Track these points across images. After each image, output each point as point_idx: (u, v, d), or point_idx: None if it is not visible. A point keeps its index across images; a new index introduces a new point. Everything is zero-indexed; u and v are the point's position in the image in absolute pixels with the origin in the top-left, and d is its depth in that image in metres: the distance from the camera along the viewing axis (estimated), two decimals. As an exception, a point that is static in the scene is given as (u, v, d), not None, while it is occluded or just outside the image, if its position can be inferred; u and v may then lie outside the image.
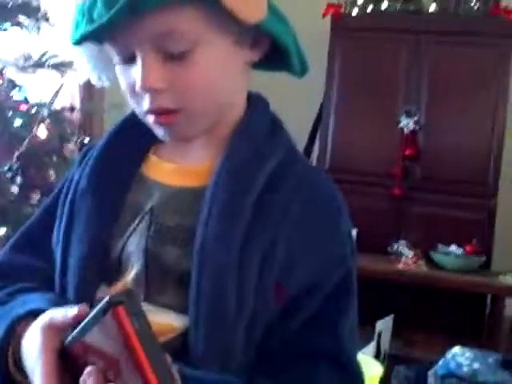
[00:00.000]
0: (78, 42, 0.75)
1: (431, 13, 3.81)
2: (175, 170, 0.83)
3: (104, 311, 0.60)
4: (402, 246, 3.56)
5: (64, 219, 0.83)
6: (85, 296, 0.77)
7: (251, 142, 0.81)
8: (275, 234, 0.76)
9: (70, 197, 0.84)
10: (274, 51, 0.79)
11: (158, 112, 0.76)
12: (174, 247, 0.77)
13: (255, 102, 0.85)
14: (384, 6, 3.87)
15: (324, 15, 3.87)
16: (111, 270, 0.79)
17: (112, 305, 0.59)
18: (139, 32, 0.71)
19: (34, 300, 0.77)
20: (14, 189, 1.91)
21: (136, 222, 0.80)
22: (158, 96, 0.74)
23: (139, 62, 0.73)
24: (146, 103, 0.76)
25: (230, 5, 0.70)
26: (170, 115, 0.76)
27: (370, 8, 3.89)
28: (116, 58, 0.77)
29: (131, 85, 0.76)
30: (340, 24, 3.89)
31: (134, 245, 0.79)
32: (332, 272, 0.79)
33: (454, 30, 3.73)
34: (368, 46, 3.90)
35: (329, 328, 0.78)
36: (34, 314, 0.72)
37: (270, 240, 0.75)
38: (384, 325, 2.64)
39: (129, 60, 0.75)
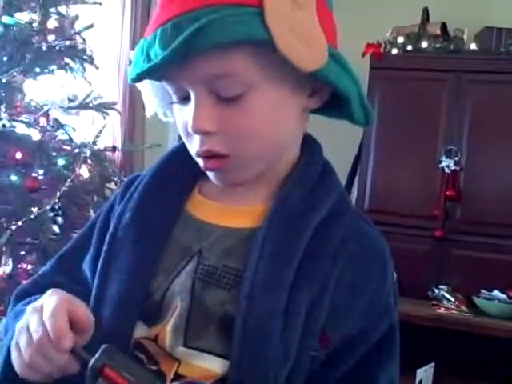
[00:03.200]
0: (135, 80, 0.76)
1: (472, 51, 3.77)
2: (223, 210, 0.81)
3: (94, 378, 0.64)
4: (443, 291, 3.46)
5: (104, 252, 0.82)
6: (121, 334, 0.76)
7: (305, 187, 0.80)
8: (323, 282, 0.74)
9: (111, 229, 0.83)
10: (335, 99, 0.77)
11: (207, 155, 0.75)
12: (220, 290, 0.75)
13: (309, 146, 0.83)
14: (424, 45, 3.86)
15: (363, 55, 3.87)
16: (151, 310, 0.78)
17: (98, 371, 0.63)
18: (192, 73, 0.71)
19: None
20: (55, 228, 1.93)
21: (184, 262, 0.78)
22: (207, 139, 0.74)
23: (192, 102, 0.73)
24: (195, 145, 0.75)
25: (286, 52, 0.69)
26: (219, 160, 0.75)
27: (409, 47, 3.89)
28: (173, 97, 0.76)
29: (184, 125, 0.76)
30: (379, 63, 3.88)
31: (179, 286, 0.77)
32: (378, 324, 0.78)
33: (496, 68, 3.68)
34: (408, 86, 3.87)
35: (369, 379, 0.77)
36: None
37: (318, 288, 0.74)
38: (425, 373, 2.56)
39: (184, 100, 0.75)
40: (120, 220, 0.83)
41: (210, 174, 0.79)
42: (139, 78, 0.74)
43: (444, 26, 3.93)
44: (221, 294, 0.75)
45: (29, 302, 0.78)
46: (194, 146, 0.76)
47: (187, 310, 0.75)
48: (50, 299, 0.70)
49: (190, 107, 0.73)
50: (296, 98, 0.76)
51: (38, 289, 0.84)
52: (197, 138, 0.75)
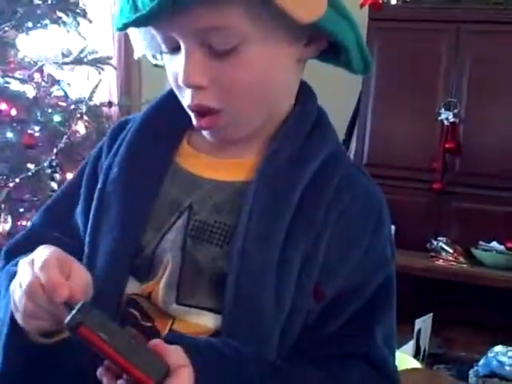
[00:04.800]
0: (122, 29, 0.72)
1: (472, 1, 3.70)
2: (214, 163, 0.79)
3: (71, 335, 0.62)
4: (441, 243, 3.48)
5: (93, 208, 0.80)
6: (113, 290, 0.76)
7: (297, 138, 0.78)
8: (317, 234, 0.73)
9: (99, 185, 0.81)
10: (333, 46, 0.75)
11: (199, 110, 0.73)
12: (211, 246, 0.75)
13: (304, 95, 0.81)
14: (423, -5, 3.79)
15: (362, 5, 3.80)
16: (142, 265, 0.77)
17: (73, 329, 0.61)
18: (183, 25, 0.68)
19: None
20: (53, 185, 1.92)
21: (174, 218, 0.77)
22: (199, 92, 0.71)
23: (183, 54, 0.70)
24: (187, 98, 0.73)
25: (283, 4, 0.65)
26: (213, 117, 0.73)
27: (408, -2, 3.82)
28: (162, 46, 0.73)
29: (175, 76, 0.73)
30: (378, 14, 3.81)
31: (169, 242, 0.76)
32: (373, 276, 0.77)
33: (496, 18, 3.61)
34: (407, 37, 3.81)
35: (365, 332, 0.77)
36: None
37: (312, 240, 0.73)
38: (423, 323, 2.60)
39: (174, 50, 0.72)
40: (108, 174, 0.81)
41: (204, 132, 0.77)
42: (125, 27, 0.71)
43: (444, -25, 3.85)
44: (213, 251, 0.74)
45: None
46: (185, 99, 0.74)
47: (179, 267, 0.75)
48: (41, 253, 0.68)
49: (181, 59, 0.70)
50: (291, 49, 0.73)
51: (28, 244, 0.81)
52: (188, 92, 0.72)
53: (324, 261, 0.74)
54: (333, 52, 0.76)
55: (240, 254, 0.71)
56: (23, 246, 0.83)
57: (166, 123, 0.82)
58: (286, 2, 0.65)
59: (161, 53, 0.76)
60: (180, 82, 0.71)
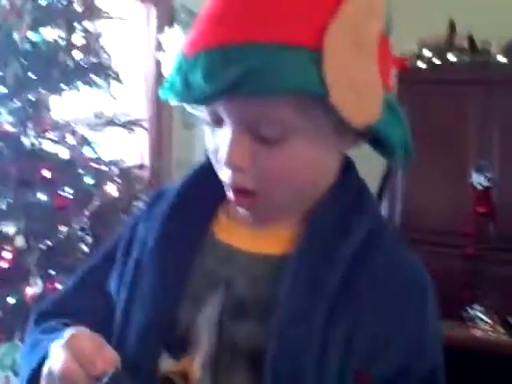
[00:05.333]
0: (168, 99, 0.71)
1: (501, 63, 3.69)
2: (252, 235, 0.76)
3: None
4: (477, 311, 3.35)
5: (128, 278, 0.78)
6: (146, 364, 0.72)
7: (337, 212, 0.74)
8: (359, 313, 0.69)
9: (135, 255, 0.78)
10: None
11: (235, 188, 0.71)
12: (249, 322, 0.70)
13: (345, 167, 0.78)
14: (451, 58, 3.79)
15: (391, 69, 3.81)
16: (177, 341, 0.72)
17: None
18: (233, 111, 0.67)
19: None
20: (84, 247, 1.88)
21: (210, 292, 0.73)
22: (238, 173, 0.69)
23: (228, 133, 0.68)
24: (225, 175, 0.71)
25: (340, 107, 0.64)
26: (248, 197, 0.71)
27: (436, 60, 3.82)
28: (206, 117, 0.71)
29: (215, 149, 0.71)
30: (407, 77, 3.81)
31: (205, 318, 0.72)
32: (417, 363, 0.72)
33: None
34: (436, 99, 3.80)
35: None
36: None
37: (354, 320, 0.68)
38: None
39: (218, 123, 0.70)
40: (144, 245, 0.78)
41: (239, 209, 0.75)
42: (172, 100, 0.71)
43: (471, 38, 3.86)
44: (250, 328, 0.70)
45: (45, 331, 0.77)
46: (222, 174, 0.73)
47: (215, 345, 0.71)
48: (72, 335, 0.66)
49: (225, 135, 0.69)
50: (339, 142, 0.71)
51: (58, 310, 0.82)
52: (227, 169, 0.71)
53: (366, 342, 0.69)
54: (375, 141, 0.73)
55: (278, 333, 0.67)
56: (53, 312, 0.82)
57: (202, 194, 0.80)
58: (345, 106, 0.64)
59: (202, 122, 0.75)
60: (222, 162, 0.69)
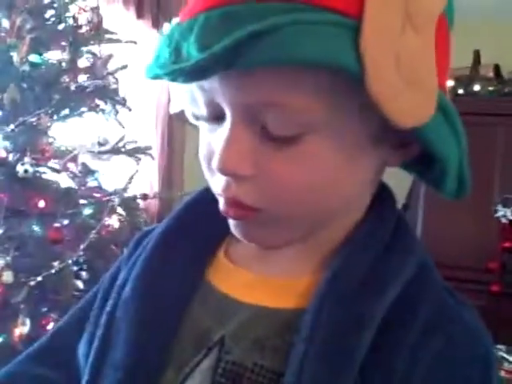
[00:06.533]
0: (154, 78, 0.53)
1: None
2: (256, 282, 0.60)
3: None
4: (501, 352, 3.17)
5: (97, 338, 0.61)
6: None
7: (370, 254, 0.56)
8: None
9: (108, 307, 0.62)
10: (424, 156, 0.55)
11: (232, 203, 0.53)
12: None
13: (381, 201, 0.60)
14: (476, 88, 3.67)
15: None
16: None
17: None
18: (236, 92, 0.49)
19: None
20: (79, 284, 1.75)
21: (200, 355, 0.57)
22: (236, 183, 0.52)
23: (226, 129, 0.51)
24: (218, 184, 0.54)
25: (380, 99, 0.46)
26: (246, 211, 0.53)
27: (460, 91, 3.70)
28: (202, 110, 0.54)
29: (209, 152, 0.54)
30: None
31: None
32: None
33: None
34: (460, 131, 3.66)
35: None
36: None
37: None
38: None
39: (217, 119, 0.53)
40: (120, 294, 0.62)
41: (231, 223, 0.57)
42: (158, 77, 0.52)
43: (497, 67, 3.74)
44: None
45: None
46: (215, 185, 0.55)
47: None
48: None
49: (222, 133, 0.51)
50: (374, 150, 0.54)
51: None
52: (221, 177, 0.53)
53: None
54: (422, 163, 0.57)
55: None
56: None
57: (198, 229, 0.64)
58: (387, 97, 0.46)
59: (199, 118, 0.56)
60: (214, 165, 0.52)
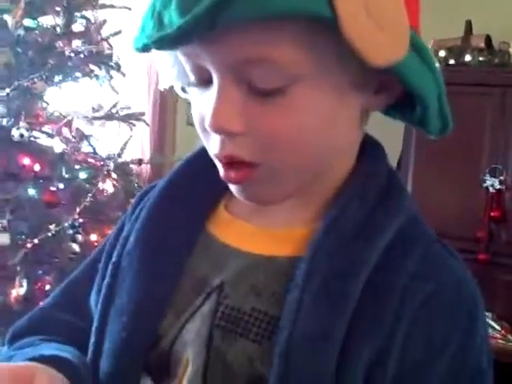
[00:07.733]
0: (142, 50, 0.55)
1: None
2: (255, 232, 0.63)
3: None
4: (487, 319, 3.25)
5: (104, 287, 0.65)
6: None
7: (363, 206, 0.59)
8: (387, 337, 0.54)
9: (114, 257, 0.66)
10: (406, 98, 0.58)
11: (230, 162, 0.56)
12: (247, 341, 0.57)
13: (370, 150, 0.64)
14: (467, 58, 3.68)
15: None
16: (158, 362, 0.60)
17: None
18: (218, 52, 0.52)
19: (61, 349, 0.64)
20: (75, 247, 1.78)
21: (198, 301, 0.61)
22: (230, 140, 0.55)
23: (214, 90, 0.54)
24: (214, 146, 0.56)
25: (354, 39, 0.49)
26: (244, 170, 0.56)
27: (451, 61, 3.71)
28: (190, 76, 0.56)
29: (202, 117, 0.56)
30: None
31: (192, 333, 0.59)
32: None
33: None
34: (450, 101, 3.67)
35: None
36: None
37: (380, 343, 0.54)
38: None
39: (204, 82, 0.55)
40: (124, 245, 0.65)
41: (232, 187, 0.60)
42: (146, 48, 0.54)
43: (488, 38, 3.75)
44: (248, 348, 0.57)
45: (21, 347, 0.67)
46: (212, 147, 0.57)
47: (203, 367, 0.58)
48: None
49: (211, 95, 0.54)
50: (356, 95, 0.57)
51: (35, 327, 0.72)
52: (216, 138, 0.56)
53: (396, 372, 0.54)
54: (405, 106, 0.59)
55: (283, 357, 0.54)
56: (27, 330, 0.72)
57: (199, 184, 0.67)
58: (361, 38, 0.49)
59: (188, 85, 0.59)
60: (207, 125, 0.54)
